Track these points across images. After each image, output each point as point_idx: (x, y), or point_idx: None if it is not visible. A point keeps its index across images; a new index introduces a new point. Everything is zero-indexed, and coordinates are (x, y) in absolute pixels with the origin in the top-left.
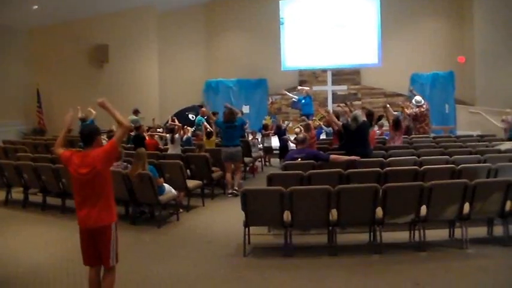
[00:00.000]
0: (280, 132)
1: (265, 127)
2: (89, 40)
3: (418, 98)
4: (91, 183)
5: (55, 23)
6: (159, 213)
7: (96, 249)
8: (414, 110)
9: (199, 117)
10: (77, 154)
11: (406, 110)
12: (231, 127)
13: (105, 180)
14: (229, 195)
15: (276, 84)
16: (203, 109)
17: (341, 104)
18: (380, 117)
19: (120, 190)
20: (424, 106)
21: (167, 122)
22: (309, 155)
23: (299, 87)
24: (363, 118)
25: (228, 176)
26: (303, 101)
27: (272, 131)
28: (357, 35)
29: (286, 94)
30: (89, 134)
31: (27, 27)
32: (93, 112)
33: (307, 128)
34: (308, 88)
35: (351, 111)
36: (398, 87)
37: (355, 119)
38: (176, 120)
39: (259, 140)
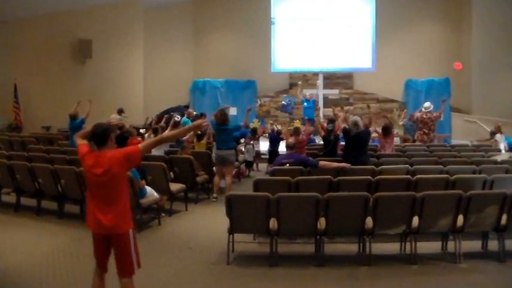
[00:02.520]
0: (276, 138)
1: (253, 131)
2: (71, 34)
3: (427, 104)
4: (106, 186)
5: (35, 15)
6: (139, 217)
7: (108, 254)
8: (416, 113)
9: (185, 118)
10: (90, 154)
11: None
12: (222, 130)
13: (122, 185)
14: (214, 200)
15: (265, 86)
16: (189, 110)
17: (338, 108)
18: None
19: None
20: (429, 114)
21: (151, 122)
22: (297, 160)
23: (299, 82)
24: (363, 124)
25: (217, 179)
26: (305, 103)
27: (264, 134)
28: (351, 38)
29: (299, 88)
30: (102, 133)
31: (5, 19)
32: (88, 110)
33: (296, 131)
34: (314, 91)
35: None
36: (391, 93)
37: (355, 124)
38: (163, 120)
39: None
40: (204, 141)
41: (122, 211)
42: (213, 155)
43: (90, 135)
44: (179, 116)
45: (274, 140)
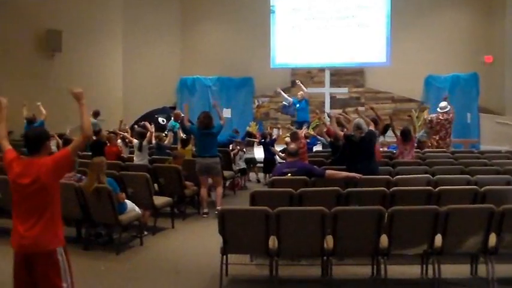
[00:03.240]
0: (267, 143)
1: (249, 135)
2: (38, 24)
3: (443, 104)
4: (33, 197)
5: None
6: (118, 236)
7: (32, 282)
8: (431, 115)
9: (172, 121)
10: (19, 161)
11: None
12: (206, 134)
13: (51, 195)
14: (204, 215)
15: (263, 84)
16: (176, 111)
17: (342, 113)
18: (387, 126)
19: (72, 207)
20: (445, 115)
21: (133, 125)
22: (301, 169)
23: (298, 82)
24: (368, 127)
25: (203, 192)
26: (298, 105)
27: (258, 140)
28: (361, 28)
29: (280, 94)
30: (36, 138)
31: None
32: (44, 112)
33: (293, 136)
34: (305, 90)
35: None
36: (409, 91)
37: (358, 127)
38: (149, 125)
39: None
40: (189, 147)
41: (50, 225)
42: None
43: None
44: (164, 119)
45: (267, 145)
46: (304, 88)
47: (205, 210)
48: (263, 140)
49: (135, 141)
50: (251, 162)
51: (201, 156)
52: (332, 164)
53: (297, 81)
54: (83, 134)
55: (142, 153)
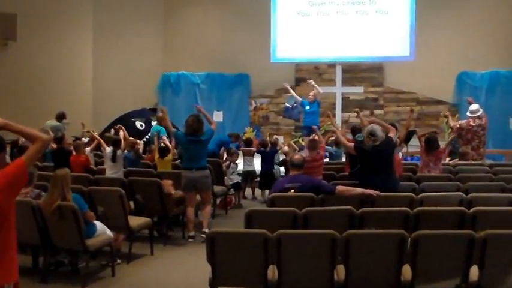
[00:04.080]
0: (268, 153)
1: (246, 143)
2: None
3: (473, 107)
4: None
5: None
6: (85, 265)
7: None
8: (460, 121)
9: (156, 125)
10: None
11: (450, 121)
12: (194, 142)
13: (4, 218)
14: (190, 240)
15: (262, 82)
16: (161, 114)
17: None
18: (411, 133)
19: (28, 230)
20: (477, 120)
21: (105, 130)
22: (307, 184)
23: (311, 82)
24: (385, 134)
25: (190, 212)
26: (308, 107)
27: (256, 148)
28: (380, 16)
29: (288, 91)
30: None
31: None
32: None
33: (312, 145)
34: (320, 91)
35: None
36: (438, 91)
37: (371, 134)
38: (124, 131)
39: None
40: (169, 157)
41: (2, 256)
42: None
43: None
44: (143, 124)
45: (267, 155)
46: (318, 88)
47: (192, 234)
48: (262, 149)
49: (108, 149)
50: (249, 175)
51: (188, 169)
52: (351, 179)
53: (310, 80)
54: (37, 139)
55: (116, 165)
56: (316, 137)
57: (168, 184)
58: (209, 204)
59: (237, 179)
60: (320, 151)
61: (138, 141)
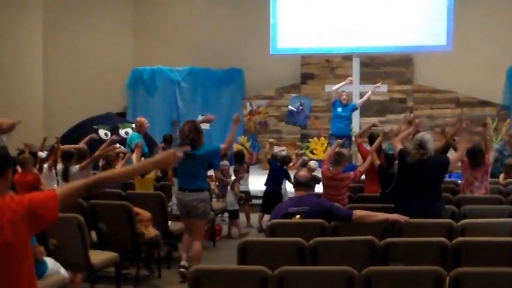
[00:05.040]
0: (277, 170)
1: (236, 157)
2: None
3: None
4: None
5: None
6: None
7: None
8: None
9: (133, 133)
10: None
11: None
12: (189, 156)
13: (20, 261)
14: (182, 270)
15: (259, 79)
16: (140, 118)
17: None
18: (447, 147)
19: None
20: None
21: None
22: (316, 208)
23: (350, 80)
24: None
25: (186, 238)
26: (339, 109)
27: (253, 161)
28: None
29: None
30: None
31: None
32: None
33: (338, 159)
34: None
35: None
36: (483, 90)
37: (421, 145)
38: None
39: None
40: (151, 175)
41: None
42: (173, 199)
43: None
44: (108, 132)
45: (276, 172)
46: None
47: (184, 263)
48: (273, 162)
49: (59, 166)
50: (243, 197)
51: (181, 190)
52: (383, 201)
53: (349, 78)
54: (98, 178)
55: None
56: (343, 149)
57: (143, 218)
58: (201, 237)
59: (236, 205)
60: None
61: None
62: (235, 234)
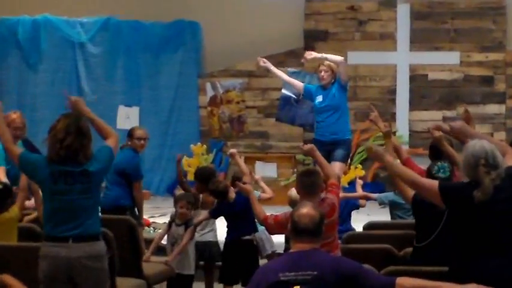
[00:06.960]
0: (236, 205)
1: (202, 178)
2: None
3: None
4: None
5: None
6: None
7: None
8: None
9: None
10: None
11: None
12: (69, 177)
13: None
14: None
15: (228, 40)
16: (14, 113)
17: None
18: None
19: None
20: None
21: None
22: (328, 273)
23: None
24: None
25: None
26: (320, 97)
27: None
28: None
29: (270, 71)
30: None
31: None
32: None
33: (309, 184)
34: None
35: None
36: None
37: (488, 163)
38: None
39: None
40: (11, 213)
41: None
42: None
43: None
44: None
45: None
46: (332, 56)
47: None
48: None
49: None
50: (207, 253)
51: (55, 240)
52: (423, 259)
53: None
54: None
55: None
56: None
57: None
58: None
59: (190, 269)
60: (332, 197)
61: None
62: None
